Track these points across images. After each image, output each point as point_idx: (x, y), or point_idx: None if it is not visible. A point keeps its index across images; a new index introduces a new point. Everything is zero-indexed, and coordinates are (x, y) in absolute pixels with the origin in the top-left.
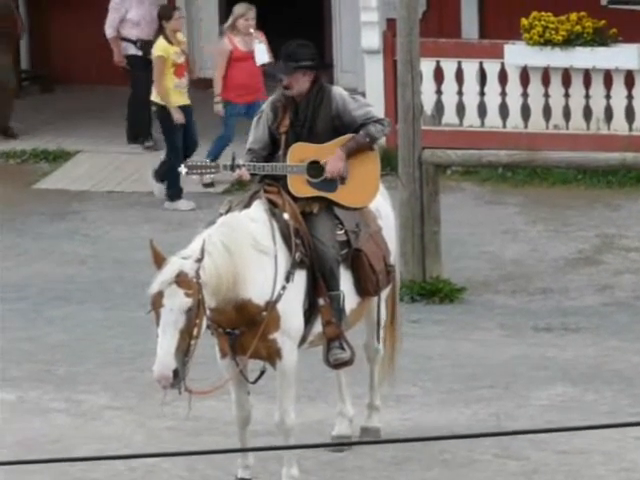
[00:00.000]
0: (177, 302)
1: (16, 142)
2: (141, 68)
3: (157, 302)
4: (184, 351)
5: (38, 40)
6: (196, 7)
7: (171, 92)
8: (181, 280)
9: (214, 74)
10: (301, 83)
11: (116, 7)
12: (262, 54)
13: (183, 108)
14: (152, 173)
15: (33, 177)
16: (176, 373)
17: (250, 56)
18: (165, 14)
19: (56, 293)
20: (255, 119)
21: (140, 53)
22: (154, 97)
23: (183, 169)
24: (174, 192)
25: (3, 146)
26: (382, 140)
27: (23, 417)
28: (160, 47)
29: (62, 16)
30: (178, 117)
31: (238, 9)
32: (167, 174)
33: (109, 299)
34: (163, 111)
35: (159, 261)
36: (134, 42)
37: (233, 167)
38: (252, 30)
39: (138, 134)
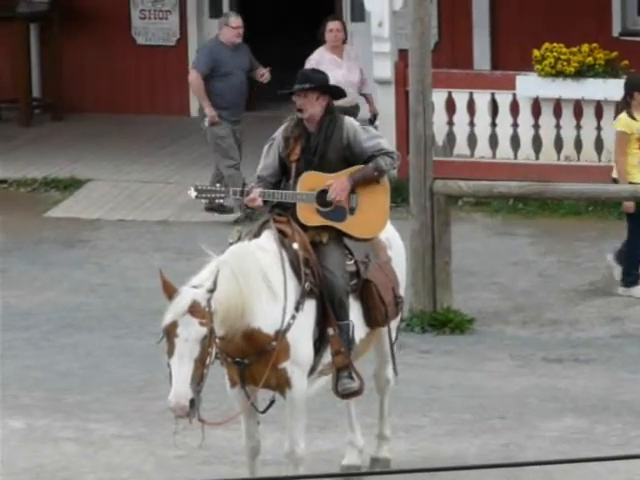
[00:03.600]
0: (192, 332)
1: (27, 170)
2: None
3: (171, 332)
4: (198, 381)
5: (49, 68)
6: None
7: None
8: (194, 310)
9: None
10: (315, 107)
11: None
12: None
13: None
14: (615, 254)
15: (44, 205)
16: (192, 403)
17: None
18: (636, 85)
19: (66, 321)
20: (266, 147)
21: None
22: (614, 174)
23: (192, 192)
24: (631, 279)
25: (14, 174)
26: (393, 171)
27: (32, 445)
28: (623, 122)
29: (73, 44)
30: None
31: None
32: (625, 259)
33: (119, 327)
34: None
35: (169, 291)
36: None
37: (243, 192)
38: None
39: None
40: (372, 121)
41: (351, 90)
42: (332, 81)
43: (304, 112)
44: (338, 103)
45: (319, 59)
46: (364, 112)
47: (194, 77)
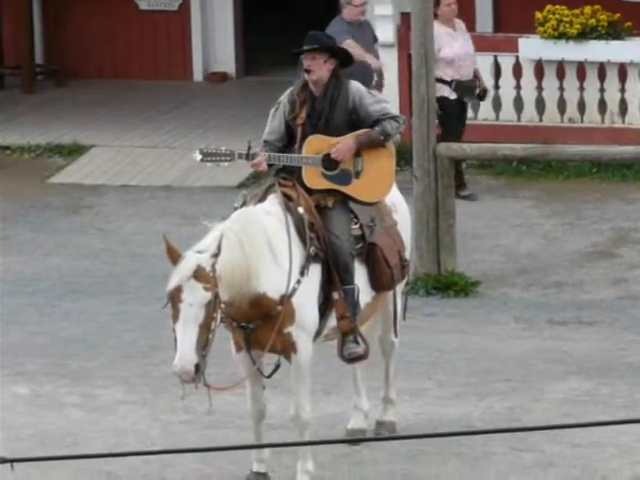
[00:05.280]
0: (197, 296)
1: (30, 136)
2: (454, 111)
3: (176, 297)
4: (203, 345)
5: (52, 34)
6: None
7: None
8: (199, 274)
9: None
10: (322, 69)
11: None
12: None
13: None
14: None
15: (47, 171)
16: (197, 367)
17: None
18: None
19: (70, 287)
20: (272, 110)
21: (454, 95)
22: None
23: (197, 155)
24: None
25: (18, 141)
26: (396, 137)
27: (38, 411)
28: None
29: (76, 10)
30: None
31: None
32: None
33: (123, 293)
34: None
35: (173, 256)
36: (448, 83)
37: (249, 156)
38: None
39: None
40: (481, 97)
41: (469, 63)
42: (450, 54)
43: (312, 73)
44: (457, 78)
45: (435, 33)
46: None
47: (349, 43)
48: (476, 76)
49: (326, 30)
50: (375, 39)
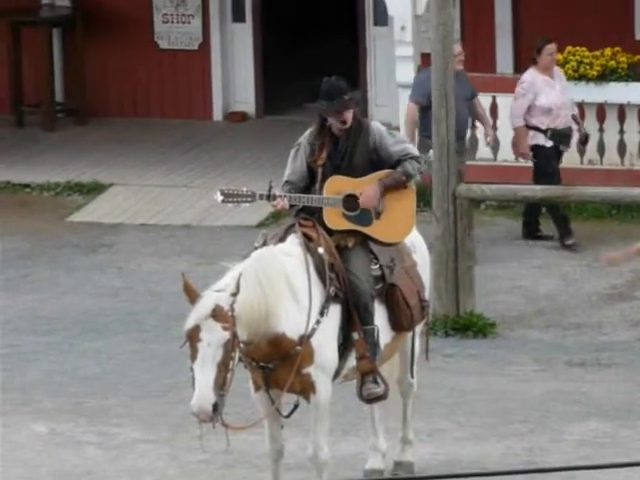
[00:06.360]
0: (215, 336)
1: (50, 174)
2: (548, 160)
3: (194, 336)
4: (221, 385)
5: (72, 73)
6: None
7: None
8: (217, 314)
9: None
10: (351, 117)
11: (523, 93)
12: None
13: None
14: None
15: (67, 210)
16: (215, 407)
17: None
18: None
19: (89, 326)
20: (293, 151)
21: (549, 144)
22: None
23: (219, 196)
24: None
25: (38, 179)
26: (417, 177)
27: (56, 450)
28: None
29: (96, 49)
30: None
31: None
32: None
33: (142, 332)
34: None
35: (191, 295)
36: (543, 131)
37: (270, 197)
38: None
39: (532, 232)
40: (583, 142)
41: (566, 111)
42: (547, 103)
43: (347, 123)
44: (553, 126)
45: (532, 80)
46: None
47: (409, 108)
48: (577, 122)
49: (414, 78)
50: (473, 93)
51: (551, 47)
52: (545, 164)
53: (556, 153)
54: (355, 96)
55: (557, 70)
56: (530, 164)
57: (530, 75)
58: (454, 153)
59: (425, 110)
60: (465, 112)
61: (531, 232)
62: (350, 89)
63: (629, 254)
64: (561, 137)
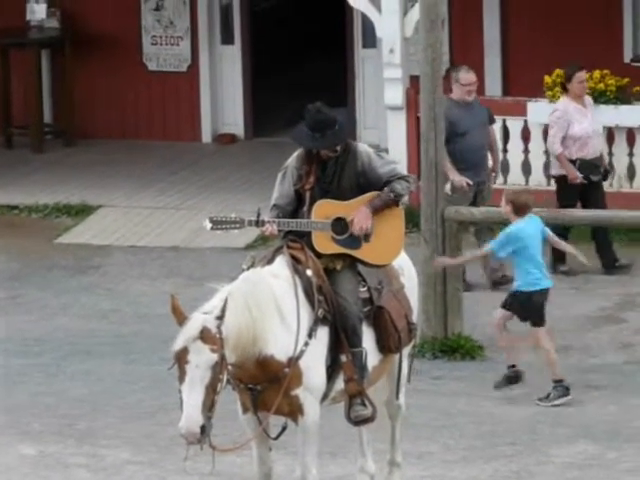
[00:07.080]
0: (203, 358)
1: (39, 196)
2: (572, 191)
3: (182, 358)
4: (209, 407)
5: (61, 94)
6: None
7: None
8: (205, 336)
9: None
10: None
11: (556, 121)
12: None
13: None
14: None
15: (55, 231)
16: (203, 429)
17: None
18: None
19: (77, 347)
20: (280, 175)
21: (579, 174)
22: None
23: (207, 224)
24: None
25: (26, 200)
26: (405, 197)
27: (44, 472)
28: None
29: (85, 70)
30: None
31: None
32: None
33: (130, 353)
34: None
35: (179, 317)
36: (573, 161)
37: (258, 222)
38: None
39: (557, 260)
40: (604, 177)
41: (596, 141)
42: (579, 132)
43: (337, 152)
44: (582, 156)
45: (564, 109)
46: None
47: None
48: (601, 155)
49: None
50: (491, 120)
51: (581, 75)
52: (568, 196)
53: (584, 184)
54: (341, 118)
55: (588, 98)
56: (541, 187)
57: (562, 104)
58: (442, 174)
59: (445, 142)
60: (483, 139)
61: (609, 262)
62: (336, 113)
63: (466, 259)
64: (590, 167)
